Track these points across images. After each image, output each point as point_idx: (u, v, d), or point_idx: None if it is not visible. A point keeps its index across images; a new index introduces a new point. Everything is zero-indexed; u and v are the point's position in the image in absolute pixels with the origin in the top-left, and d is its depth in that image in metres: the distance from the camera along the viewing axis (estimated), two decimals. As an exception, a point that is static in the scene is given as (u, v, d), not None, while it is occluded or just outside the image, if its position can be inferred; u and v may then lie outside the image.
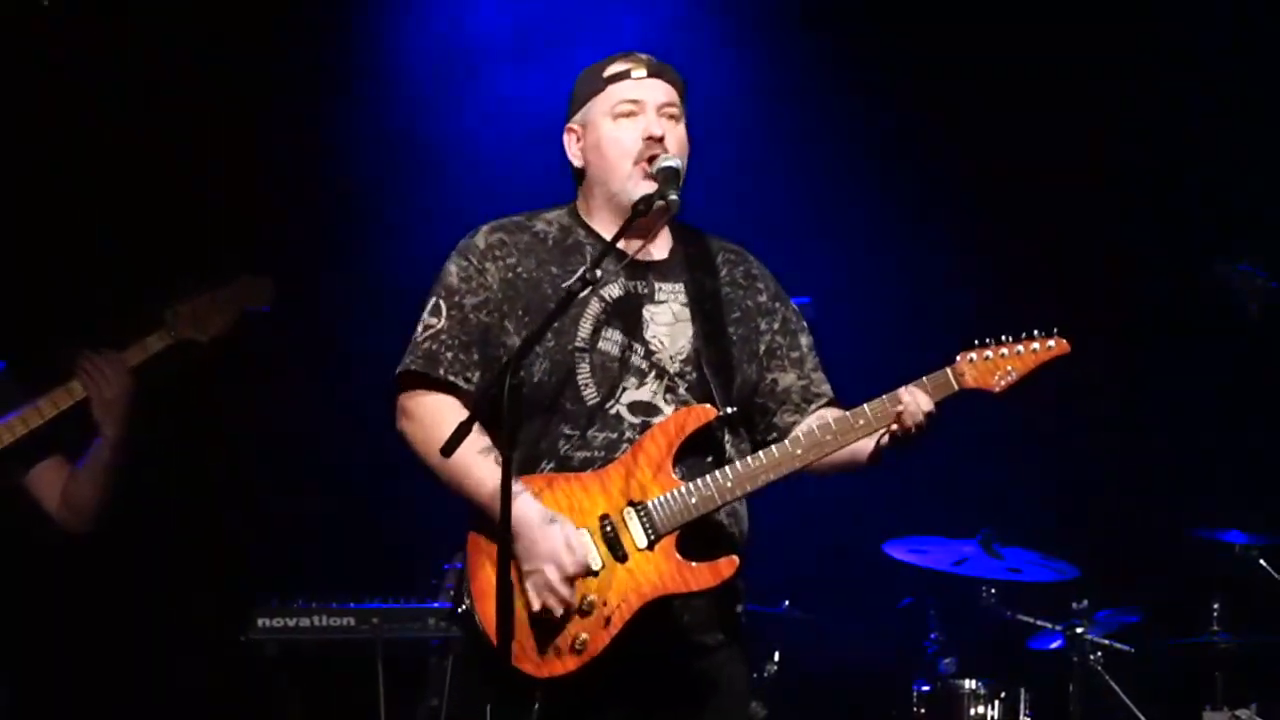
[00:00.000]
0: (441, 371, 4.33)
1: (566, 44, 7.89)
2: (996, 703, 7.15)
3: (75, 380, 5.61)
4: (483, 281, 4.39)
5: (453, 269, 4.41)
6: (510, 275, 4.39)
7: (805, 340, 4.60)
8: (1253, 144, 7.94)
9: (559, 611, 4.18)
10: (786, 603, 7.54)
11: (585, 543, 4.22)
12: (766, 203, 8.01)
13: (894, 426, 4.30)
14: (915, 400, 4.30)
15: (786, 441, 4.34)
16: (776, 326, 4.56)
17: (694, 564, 4.25)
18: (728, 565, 4.27)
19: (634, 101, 4.43)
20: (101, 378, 5.59)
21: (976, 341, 4.40)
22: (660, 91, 4.45)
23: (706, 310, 4.44)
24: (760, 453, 4.32)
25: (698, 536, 4.29)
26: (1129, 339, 8.06)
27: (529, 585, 4.19)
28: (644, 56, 4.49)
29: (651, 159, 4.39)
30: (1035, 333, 4.41)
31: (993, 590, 7.23)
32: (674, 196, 4.32)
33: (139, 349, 5.68)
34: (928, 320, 7.75)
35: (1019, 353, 4.40)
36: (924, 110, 8.19)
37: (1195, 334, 7.88)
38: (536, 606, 4.18)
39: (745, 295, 4.54)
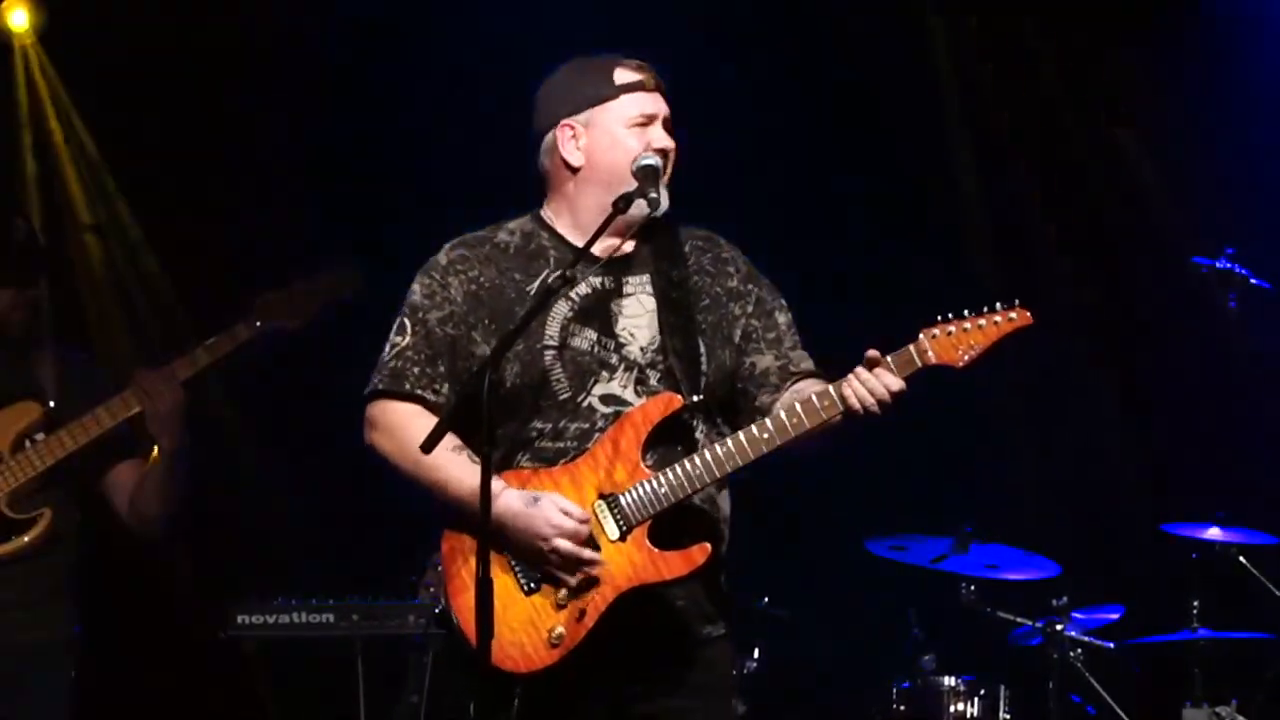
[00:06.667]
0: (408, 386, 4.39)
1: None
2: (976, 700, 7.16)
3: (130, 392, 5.74)
4: (446, 296, 4.44)
5: (417, 288, 4.48)
6: (473, 287, 4.44)
7: (783, 319, 4.59)
8: (1235, 139, 7.96)
9: (596, 571, 4.22)
10: (767, 599, 7.53)
11: (575, 504, 4.26)
12: (734, 199, 8.01)
13: (855, 406, 4.27)
14: (881, 380, 4.27)
15: (753, 426, 4.32)
16: (750, 309, 4.56)
17: (666, 553, 4.27)
18: (699, 552, 4.28)
19: (649, 115, 4.47)
20: (155, 392, 5.71)
21: (939, 317, 4.38)
22: (664, 105, 4.51)
23: (674, 300, 4.45)
24: (728, 439, 4.31)
25: (676, 527, 4.30)
26: (1109, 335, 8.07)
27: (550, 568, 4.23)
28: (648, 67, 4.53)
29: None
30: (997, 305, 4.38)
31: (972, 587, 7.22)
32: (654, 195, 4.34)
33: (226, 339, 5.80)
34: (908, 317, 7.74)
35: (981, 326, 4.35)
36: (901, 100, 8.20)
37: (1175, 330, 7.89)
38: (573, 581, 4.22)
39: (715, 282, 4.55)
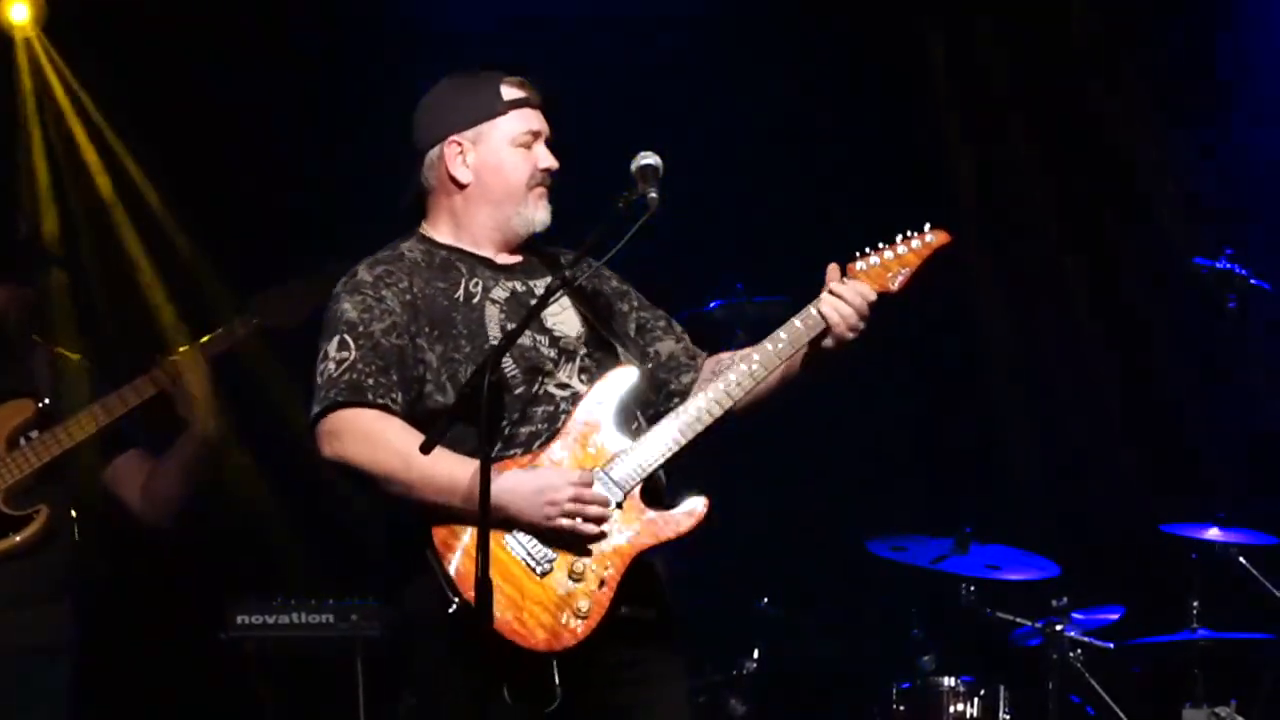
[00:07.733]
0: (370, 397, 4.32)
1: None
2: (976, 700, 7.14)
3: (158, 370, 5.71)
4: (385, 308, 4.40)
5: (347, 306, 4.41)
6: (408, 297, 4.42)
7: (660, 310, 4.71)
8: (1235, 138, 7.96)
9: (609, 514, 4.24)
10: (766, 599, 7.53)
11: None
12: (741, 203, 8.02)
13: (836, 320, 4.37)
14: (854, 288, 4.40)
15: (719, 381, 4.39)
16: (636, 304, 4.66)
17: (665, 513, 4.32)
18: (700, 506, 4.32)
19: (534, 132, 4.52)
20: (187, 371, 5.68)
21: (857, 253, 4.51)
22: (546, 121, 4.56)
23: (581, 295, 4.53)
24: (699, 396, 4.39)
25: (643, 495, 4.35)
26: (1109, 335, 8.07)
27: (562, 521, 4.22)
28: (530, 82, 4.56)
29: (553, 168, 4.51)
30: (909, 232, 4.53)
31: (972, 588, 7.22)
32: (654, 194, 4.33)
33: (222, 336, 5.80)
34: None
35: (901, 253, 4.52)
36: (903, 106, 8.20)
37: (1175, 330, 7.89)
38: (591, 530, 4.22)
39: (600, 283, 4.62)
